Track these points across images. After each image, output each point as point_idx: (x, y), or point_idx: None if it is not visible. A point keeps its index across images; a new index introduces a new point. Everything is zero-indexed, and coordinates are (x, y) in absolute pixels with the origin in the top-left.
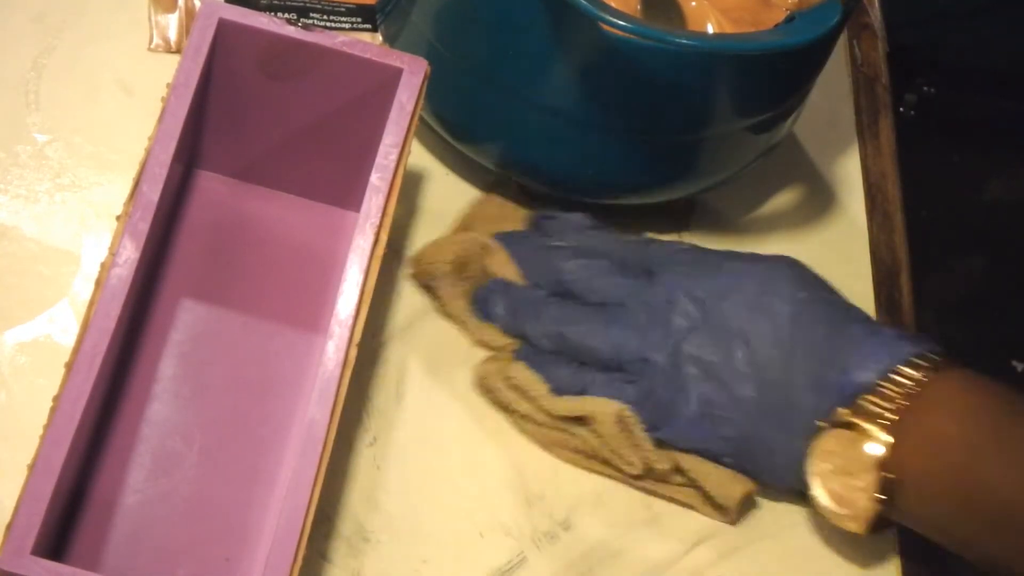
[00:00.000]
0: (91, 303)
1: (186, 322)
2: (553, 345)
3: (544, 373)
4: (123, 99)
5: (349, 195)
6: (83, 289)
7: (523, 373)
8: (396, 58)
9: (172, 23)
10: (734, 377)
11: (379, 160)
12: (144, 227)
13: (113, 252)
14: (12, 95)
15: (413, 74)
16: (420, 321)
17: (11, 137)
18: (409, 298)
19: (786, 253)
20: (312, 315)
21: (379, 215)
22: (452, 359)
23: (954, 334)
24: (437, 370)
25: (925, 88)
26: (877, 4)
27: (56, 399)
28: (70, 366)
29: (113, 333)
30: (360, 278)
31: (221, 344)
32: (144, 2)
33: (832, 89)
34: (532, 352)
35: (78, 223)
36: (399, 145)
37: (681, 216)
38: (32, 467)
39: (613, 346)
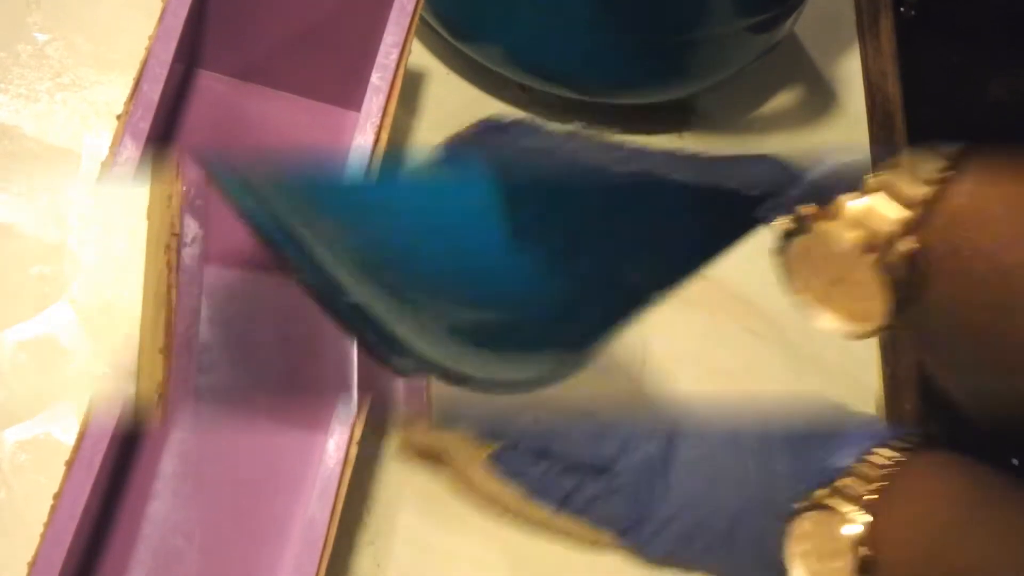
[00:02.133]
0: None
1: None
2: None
3: (522, 473)
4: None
5: (350, 95)
6: (83, 288)
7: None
8: None
9: None
10: (717, 477)
11: (380, 60)
12: (145, 126)
13: (114, 151)
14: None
15: None
16: None
17: (11, 37)
18: None
19: (787, 152)
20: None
21: (380, 114)
22: None
23: None
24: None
25: None
26: None
27: (56, 496)
28: (70, 464)
29: (113, 432)
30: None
31: (223, 439)
32: None
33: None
34: (510, 454)
35: (79, 122)
36: (400, 45)
37: (680, 115)
38: (33, 566)
39: (603, 459)
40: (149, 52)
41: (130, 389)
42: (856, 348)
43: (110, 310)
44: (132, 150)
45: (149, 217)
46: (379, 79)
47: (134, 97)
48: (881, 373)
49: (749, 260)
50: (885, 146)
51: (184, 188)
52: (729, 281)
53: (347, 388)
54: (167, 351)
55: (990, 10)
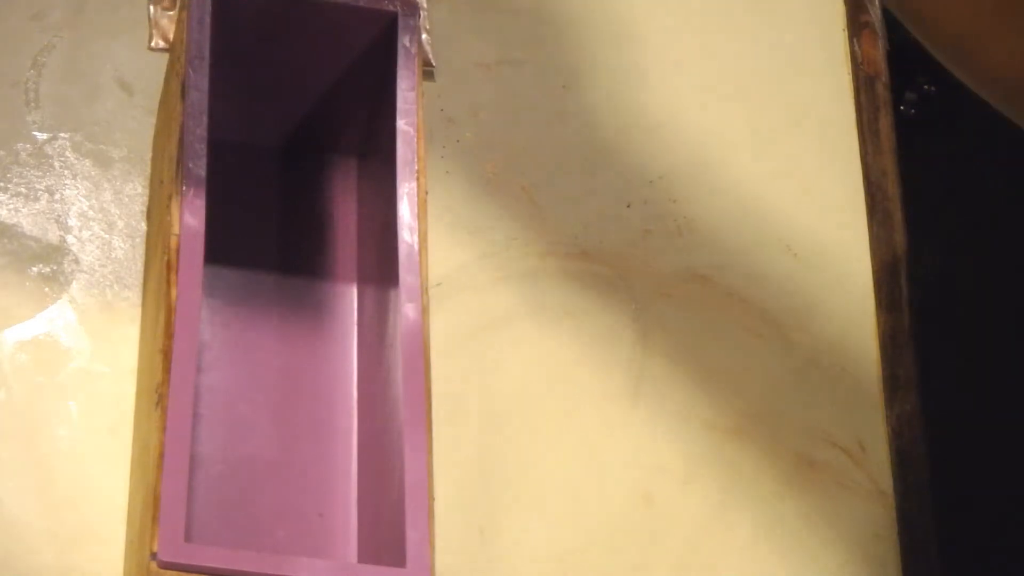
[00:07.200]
0: (169, 287)
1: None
2: None
3: None
4: (123, 97)
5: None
6: (83, 288)
7: None
8: (388, 2)
9: (172, 22)
10: None
11: (401, 105)
12: (200, 203)
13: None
14: (12, 93)
15: (408, 16)
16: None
17: (11, 135)
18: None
19: (784, 251)
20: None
21: (415, 159)
22: None
23: (956, 333)
24: None
25: (926, 87)
26: (877, 2)
27: (161, 391)
28: (167, 352)
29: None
30: (415, 223)
31: (263, 303)
32: (143, 0)
33: (832, 87)
34: None
35: (78, 221)
36: (414, 88)
37: None
38: (162, 457)
39: None
40: (183, 129)
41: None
42: (856, 348)
43: (110, 310)
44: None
45: (149, 217)
46: (406, 124)
47: (181, 175)
48: (881, 373)
49: (750, 260)
50: (884, 244)
51: (184, 188)
52: (729, 281)
53: (347, 386)
54: (167, 351)
55: (990, 108)
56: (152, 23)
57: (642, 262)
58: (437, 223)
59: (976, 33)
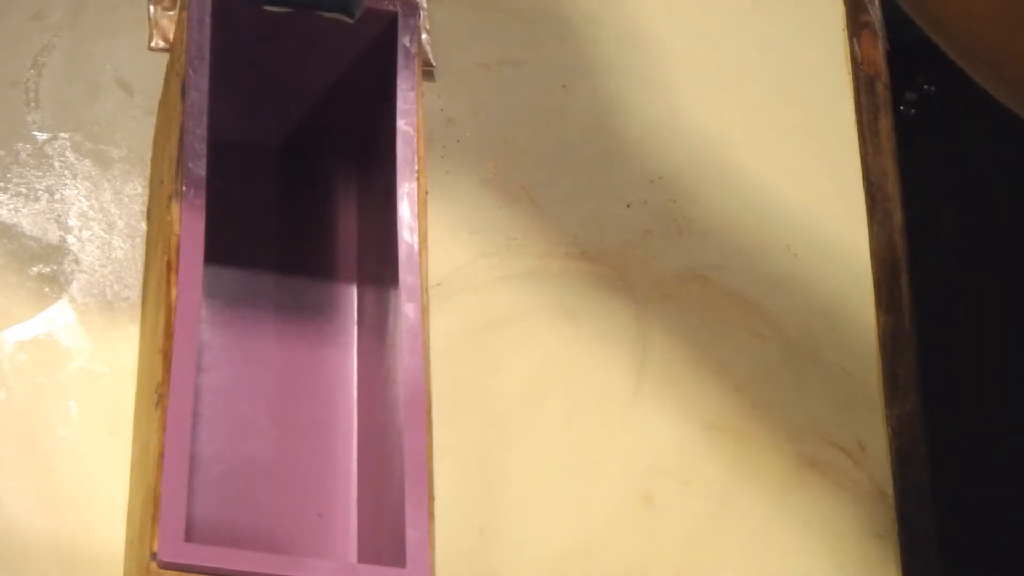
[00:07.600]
0: (169, 290)
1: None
2: None
3: None
4: (123, 97)
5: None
6: (83, 288)
7: None
8: (388, 2)
9: (172, 22)
10: None
11: (401, 105)
12: (200, 202)
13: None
14: (12, 93)
15: (408, 16)
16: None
17: (11, 135)
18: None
19: (784, 251)
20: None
21: (415, 159)
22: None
23: (957, 333)
24: None
25: (926, 87)
26: (877, 2)
27: (161, 391)
28: (167, 352)
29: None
30: (415, 223)
31: (263, 303)
32: (143, 0)
33: (832, 87)
34: None
35: (78, 221)
36: (414, 88)
37: None
38: (162, 457)
39: None
40: (183, 130)
41: (130, 389)
42: (856, 348)
43: (110, 310)
44: (195, 224)
45: (149, 217)
46: (406, 124)
47: (181, 175)
48: (881, 373)
49: (750, 260)
50: (884, 244)
51: (184, 188)
52: (729, 281)
53: (347, 386)
54: (167, 351)
55: (990, 108)
56: (152, 23)
57: (642, 262)
58: (437, 223)
59: (1004, 42)
